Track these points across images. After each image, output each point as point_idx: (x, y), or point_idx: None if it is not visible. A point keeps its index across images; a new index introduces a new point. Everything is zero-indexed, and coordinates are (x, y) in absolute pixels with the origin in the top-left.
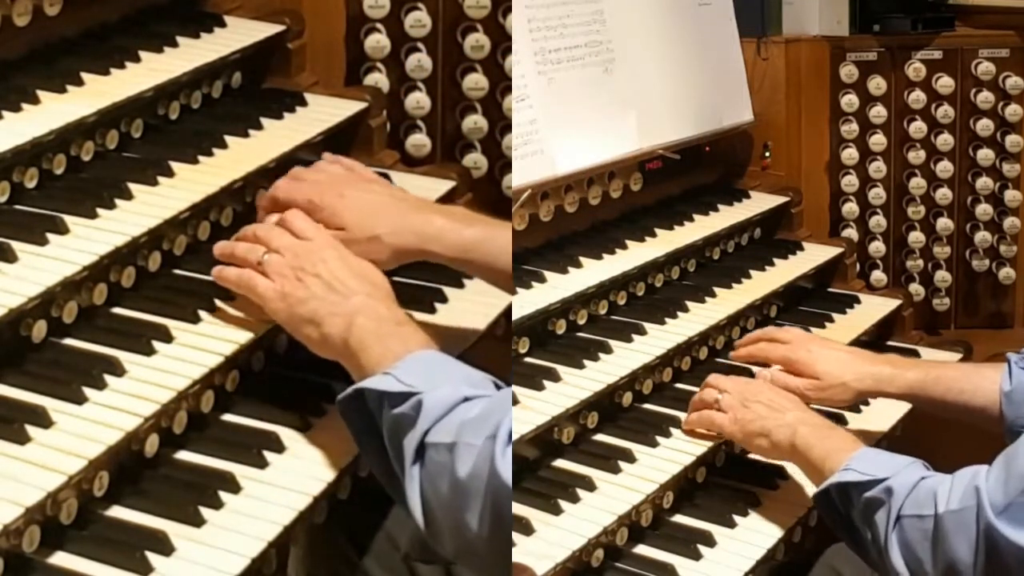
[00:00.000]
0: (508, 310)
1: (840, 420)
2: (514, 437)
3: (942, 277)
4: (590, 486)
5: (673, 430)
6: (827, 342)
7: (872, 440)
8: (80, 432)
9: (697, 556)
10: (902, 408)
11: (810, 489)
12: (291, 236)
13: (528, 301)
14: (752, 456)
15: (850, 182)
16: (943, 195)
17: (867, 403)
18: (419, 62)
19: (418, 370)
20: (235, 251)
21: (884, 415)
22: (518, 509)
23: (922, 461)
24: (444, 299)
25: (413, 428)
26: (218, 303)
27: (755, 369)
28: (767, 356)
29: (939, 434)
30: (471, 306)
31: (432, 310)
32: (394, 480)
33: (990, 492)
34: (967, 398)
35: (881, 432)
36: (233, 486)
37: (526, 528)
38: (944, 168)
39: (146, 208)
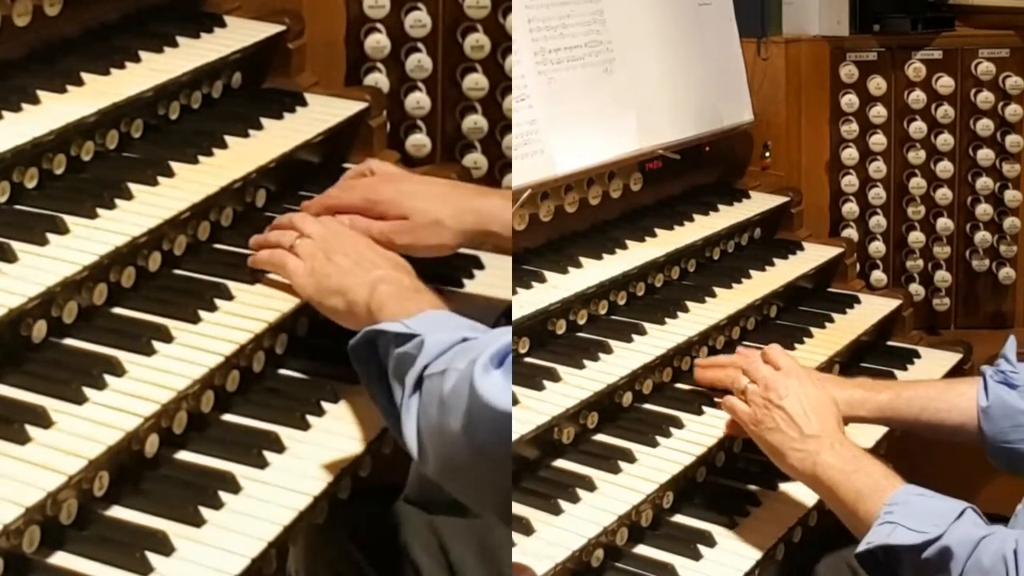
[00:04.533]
0: (508, 310)
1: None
2: (514, 437)
3: (942, 277)
4: (590, 486)
5: (673, 430)
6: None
7: None
8: (80, 432)
9: (697, 556)
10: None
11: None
12: (322, 225)
13: (528, 301)
14: (753, 456)
15: (850, 182)
16: (943, 195)
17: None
18: (419, 62)
19: (427, 321)
20: (268, 238)
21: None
22: (518, 509)
23: (972, 507)
24: None
25: (414, 364)
26: (218, 303)
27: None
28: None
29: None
30: None
31: None
32: (396, 420)
33: None
34: (943, 416)
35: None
36: (233, 486)
37: (526, 528)
38: (944, 168)
39: (146, 208)
